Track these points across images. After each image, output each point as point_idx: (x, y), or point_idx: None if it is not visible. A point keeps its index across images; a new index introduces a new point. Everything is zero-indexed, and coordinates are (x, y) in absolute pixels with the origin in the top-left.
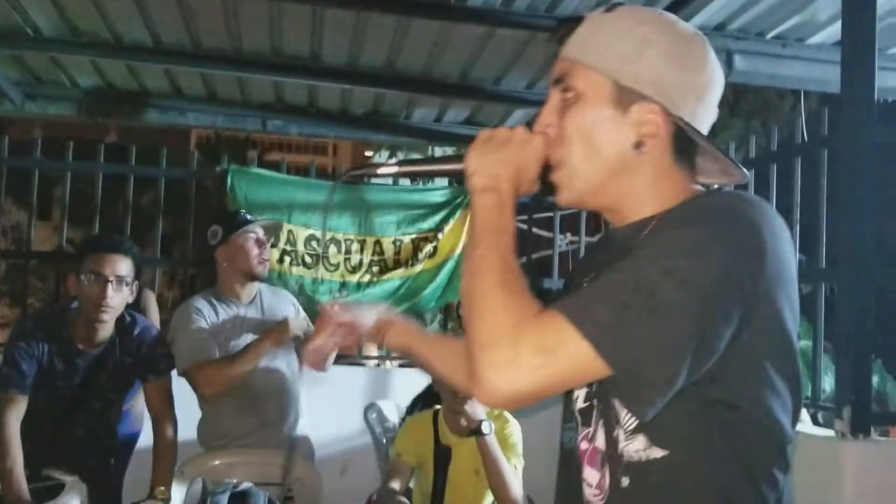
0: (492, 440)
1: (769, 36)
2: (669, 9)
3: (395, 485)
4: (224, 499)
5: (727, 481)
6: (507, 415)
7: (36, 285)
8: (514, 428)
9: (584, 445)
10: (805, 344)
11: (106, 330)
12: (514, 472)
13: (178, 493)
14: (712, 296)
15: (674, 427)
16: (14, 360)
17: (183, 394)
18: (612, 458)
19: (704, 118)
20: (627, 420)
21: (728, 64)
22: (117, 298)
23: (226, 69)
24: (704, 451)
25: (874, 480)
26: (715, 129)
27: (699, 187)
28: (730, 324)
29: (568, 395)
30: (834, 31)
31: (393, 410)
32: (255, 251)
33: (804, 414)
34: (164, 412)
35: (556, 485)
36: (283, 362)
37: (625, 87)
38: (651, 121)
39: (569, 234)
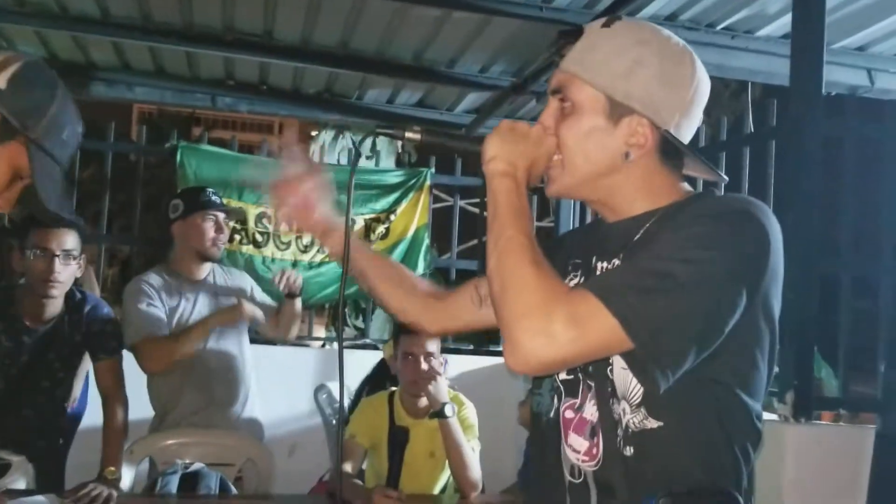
0: (454, 422)
1: (719, 27)
2: None
3: (349, 466)
4: (175, 479)
5: (713, 450)
6: (463, 397)
7: None
8: (471, 410)
9: (568, 414)
10: None
11: (54, 306)
12: (473, 454)
13: (127, 473)
14: (724, 285)
15: (670, 400)
16: None
17: (133, 372)
18: (608, 428)
19: (690, 126)
20: (634, 393)
21: None
22: (65, 273)
23: (176, 44)
24: (695, 423)
25: (814, 462)
26: None
27: (687, 185)
28: (735, 311)
29: None
30: (782, 24)
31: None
32: (210, 233)
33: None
34: (114, 392)
35: (530, 446)
36: (234, 343)
37: (617, 101)
38: (640, 133)
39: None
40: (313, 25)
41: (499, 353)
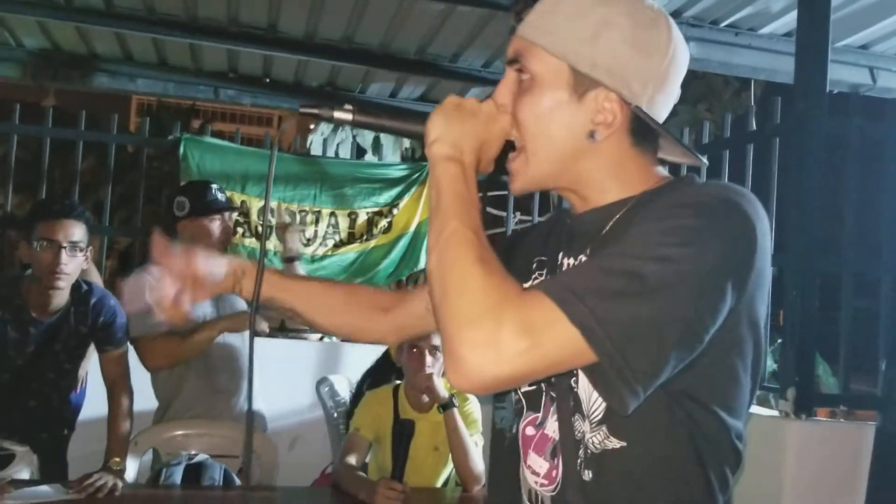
0: (456, 413)
1: (723, 24)
2: None
3: (352, 459)
4: (179, 470)
5: (682, 475)
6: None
7: None
8: (475, 405)
9: (529, 431)
10: None
11: (61, 298)
12: (475, 448)
13: (132, 464)
14: (706, 287)
15: (635, 417)
16: None
17: (138, 363)
18: (568, 448)
19: (665, 103)
20: (595, 410)
21: None
22: (72, 265)
23: (179, 36)
24: (662, 443)
25: (815, 458)
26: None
27: (662, 170)
28: (717, 316)
29: None
30: (786, 21)
31: (344, 385)
32: (217, 235)
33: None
34: (120, 383)
35: (489, 465)
36: (237, 335)
37: (581, 72)
38: (607, 109)
39: (519, 213)
40: (318, 19)
41: None
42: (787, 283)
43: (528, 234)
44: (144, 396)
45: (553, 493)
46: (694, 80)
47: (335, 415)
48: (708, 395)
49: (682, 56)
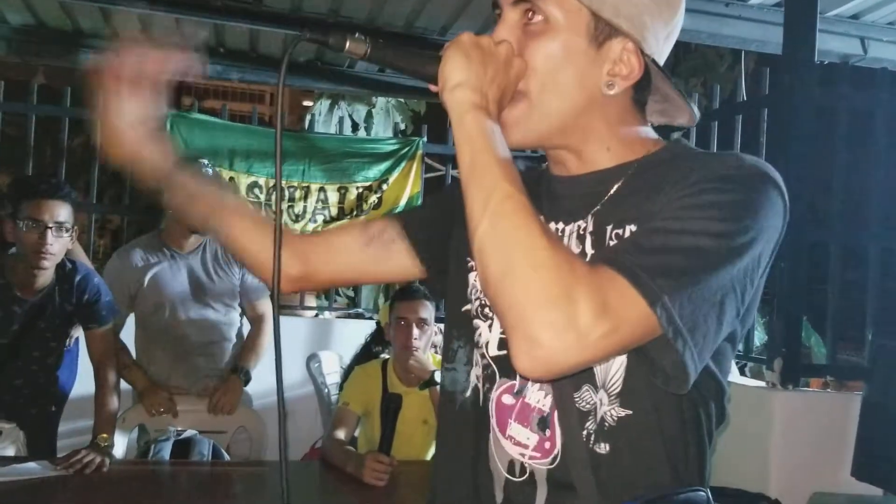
0: None
1: None
2: None
3: (341, 433)
4: (167, 446)
5: (681, 439)
6: None
7: None
8: None
9: (507, 399)
10: None
11: (46, 277)
12: None
13: (120, 440)
14: (754, 262)
15: (648, 388)
16: None
17: (124, 339)
18: (571, 421)
19: (665, 57)
20: (615, 382)
21: None
22: (57, 245)
23: (164, 10)
24: (666, 407)
25: (802, 428)
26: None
27: (651, 130)
28: (754, 287)
29: (458, 335)
30: None
31: (335, 361)
32: None
33: (732, 365)
34: (106, 360)
35: (438, 427)
36: (220, 314)
37: (603, 18)
38: (626, 61)
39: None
40: None
41: None
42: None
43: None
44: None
45: (550, 467)
46: (687, 54)
47: (325, 390)
48: (713, 361)
49: (682, 18)
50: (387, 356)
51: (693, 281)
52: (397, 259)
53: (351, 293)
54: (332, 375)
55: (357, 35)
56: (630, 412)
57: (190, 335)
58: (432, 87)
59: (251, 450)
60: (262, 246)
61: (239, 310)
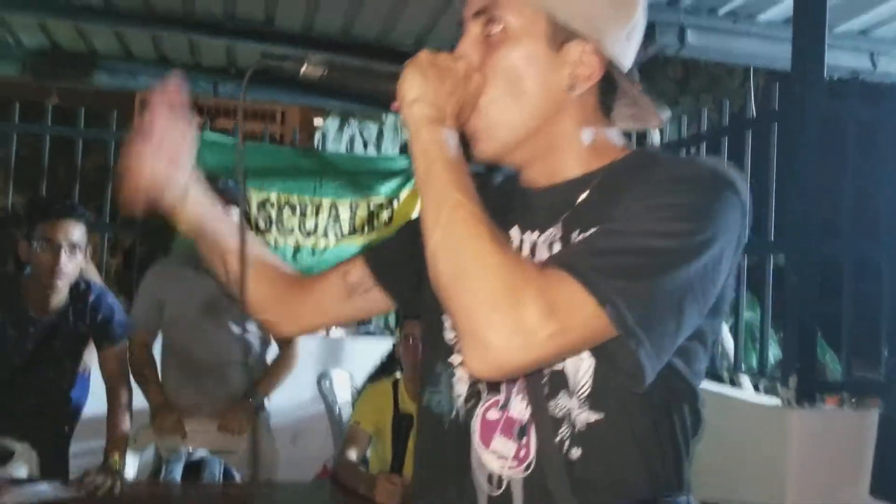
0: None
1: (721, 12)
2: None
3: (353, 453)
4: (179, 467)
5: (657, 444)
6: None
7: None
8: None
9: (492, 415)
10: (751, 316)
11: (59, 296)
12: None
13: (132, 461)
14: (712, 261)
15: (618, 390)
16: None
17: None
18: (545, 427)
19: (629, 59)
20: (583, 386)
21: (680, 39)
22: (71, 265)
23: (178, 32)
24: (639, 410)
25: (818, 446)
26: (666, 105)
27: (619, 135)
28: (716, 288)
29: (436, 358)
30: (784, 7)
31: (346, 379)
32: None
33: (746, 382)
34: (118, 380)
35: (421, 451)
36: (237, 334)
37: (560, 23)
38: (586, 62)
39: None
40: (315, 12)
41: None
42: (787, 270)
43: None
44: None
45: (525, 474)
46: (696, 71)
47: (336, 409)
48: (681, 362)
49: (643, 20)
50: (398, 375)
51: (647, 280)
52: (375, 304)
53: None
54: (342, 394)
55: (313, 59)
56: (601, 416)
57: (202, 354)
58: (393, 106)
59: (263, 470)
60: (261, 298)
61: (258, 332)
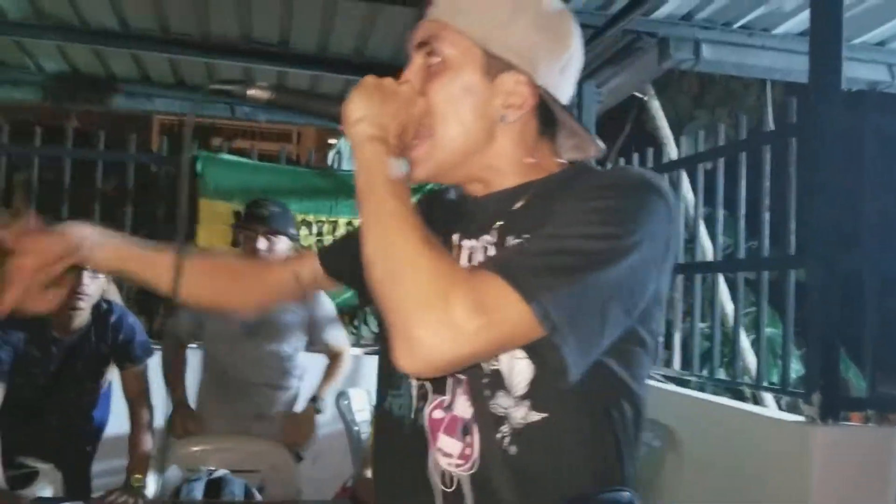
0: None
1: (736, 25)
2: None
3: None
4: (199, 486)
5: (599, 443)
6: None
7: None
8: None
9: (437, 414)
10: (772, 332)
11: (81, 317)
12: None
13: (153, 480)
14: (640, 263)
15: (556, 390)
16: None
17: (158, 379)
18: (486, 425)
19: (566, 92)
20: (519, 385)
21: (695, 53)
22: (93, 286)
23: (194, 55)
24: (581, 413)
25: (843, 463)
26: (681, 120)
27: (558, 160)
28: (646, 291)
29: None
30: (800, 20)
31: (364, 398)
32: (259, 246)
33: (769, 399)
34: (140, 399)
35: (381, 454)
36: (276, 355)
37: (494, 54)
38: (519, 91)
39: None
40: (329, 33)
41: None
42: (808, 284)
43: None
44: (164, 412)
45: (471, 472)
46: (711, 85)
47: (355, 428)
48: (620, 365)
49: (579, 53)
50: None
51: (573, 280)
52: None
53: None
54: (361, 413)
55: (260, 85)
56: (539, 414)
57: (236, 373)
58: (341, 126)
59: (284, 490)
60: (208, 292)
61: (299, 351)
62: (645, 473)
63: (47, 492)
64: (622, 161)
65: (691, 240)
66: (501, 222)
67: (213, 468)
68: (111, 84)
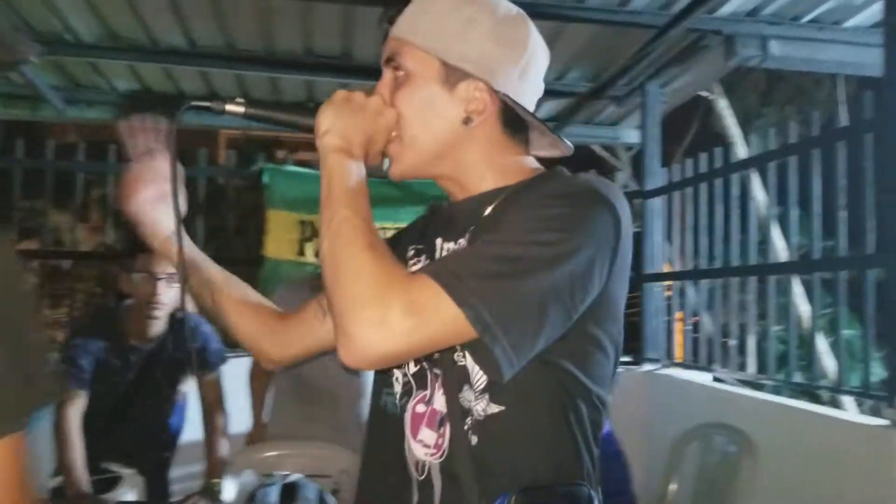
0: None
1: (804, 20)
2: None
3: None
4: (274, 490)
5: (555, 437)
6: None
7: (74, 286)
8: None
9: (420, 408)
10: (850, 333)
11: (158, 326)
12: None
13: (230, 485)
14: (577, 269)
15: (512, 385)
16: (72, 356)
17: (232, 386)
18: (456, 418)
19: (529, 93)
20: (478, 380)
21: (763, 49)
22: (169, 295)
23: (259, 69)
24: (536, 406)
25: None
26: (749, 118)
27: (535, 162)
28: (587, 296)
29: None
30: (871, 13)
31: None
32: None
33: (849, 403)
34: (215, 406)
35: (368, 447)
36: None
37: (451, 65)
38: (477, 98)
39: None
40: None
41: (624, 363)
42: (889, 283)
43: (406, 229)
44: (240, 418)
45: (441, 461)
46: (780, 82)
47: None
48: (576, 366)
49: (540, 52)
50: None
51: (507, 284)
52: None
53: None
54: None
55: (237, 99)
56: (498, 407)
57: (316, 380)
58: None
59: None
60: (249, 329)
61: None
62: (720, 480)
63: (130, 496)
64: (689, 161)
65: (763, 241)
66: (474, 227)
67: (287, 473)
68: (180, 101)
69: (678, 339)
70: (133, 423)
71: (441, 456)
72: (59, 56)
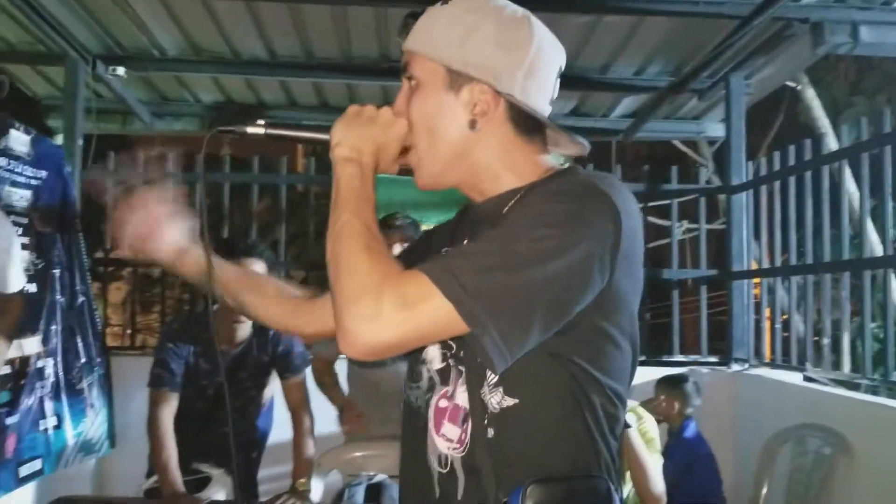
0: (634, 433)
1: None
2: None
3: None
4: (360, 490)
5: (570, 430)
6: (642, 410)
7: (164, 292)
8: (651, 423)
9: (442, 403)
10: None
11: (244, 331)
12: (655, 467)
13: (317, 484)
14: (572, 264)
15: (524, 378)
16: (164, 360)
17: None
18: (476, 412)
19: (539, 92)
20: (491, 374)
21: (853, 36)
22: None
23: (336, 77)
24: (549, 399)
25: None
26: (838, 108)
27: (551, 158)
28: (586, 289)
29: (416, 358)
30: None
31: None
32: (397, 252)
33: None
34: (301, 407)
35: (402, 440)
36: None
37: (455, 71)
38: (482, 100)
39: (685, 222)
40: None
41: (670, 363)
42: None
43: (437, 231)
44: (325, 420)
45: (462, 455)
46: (870, 70)
47: None
48: (587, 359)
49: (548, 49)
50: None
51: (498, 278)
52: None
53: None
54: None
55: (258, 121)
56: (512, 399)
57: (387, 382)
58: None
59: None
60: (271, 312)
61: None
62: (814, 483)
63: (220, 495)
64: (775, 155)
65: (857, 235)
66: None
67: (372, 473)
68: (261, 111)
69: (766, 338)
70: (222, 425)
71: (463, 450)
72: (147, 72)
